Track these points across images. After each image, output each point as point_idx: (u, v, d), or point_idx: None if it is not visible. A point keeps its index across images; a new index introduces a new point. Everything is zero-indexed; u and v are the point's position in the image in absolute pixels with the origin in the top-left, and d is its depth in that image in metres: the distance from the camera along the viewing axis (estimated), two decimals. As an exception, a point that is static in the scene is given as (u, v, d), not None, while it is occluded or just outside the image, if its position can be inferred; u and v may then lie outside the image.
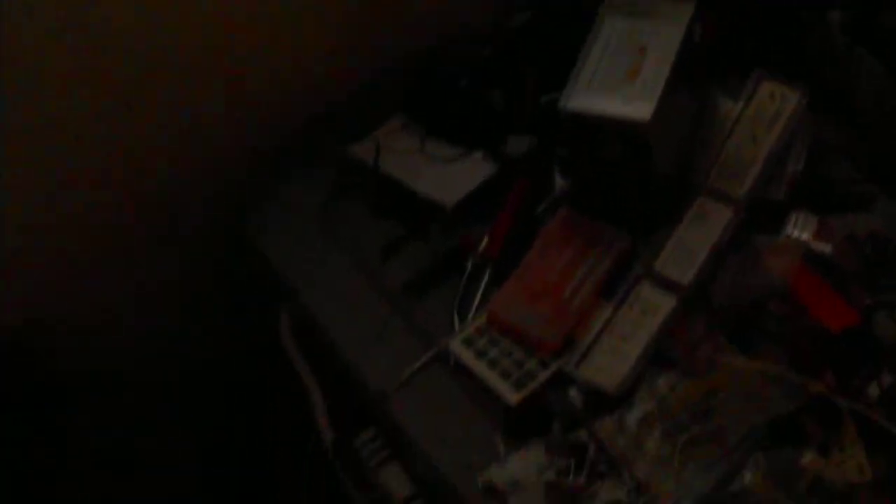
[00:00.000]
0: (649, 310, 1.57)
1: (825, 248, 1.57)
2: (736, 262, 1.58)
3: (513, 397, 1.55)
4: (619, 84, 1.56)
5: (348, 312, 1.75)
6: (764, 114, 1.69)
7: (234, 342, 2.26)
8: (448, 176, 1.83)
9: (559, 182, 1.77)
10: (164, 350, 2.21)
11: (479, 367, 1.59)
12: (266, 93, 2.02)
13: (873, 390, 1.44)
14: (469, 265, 1.72)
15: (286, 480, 2.31)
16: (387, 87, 2.02)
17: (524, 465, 1.49)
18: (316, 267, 1.82)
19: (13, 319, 1.94)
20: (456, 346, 1.62)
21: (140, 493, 2.24)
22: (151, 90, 1.87)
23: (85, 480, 2.10)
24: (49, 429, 2.00)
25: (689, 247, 1.61)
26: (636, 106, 1.53)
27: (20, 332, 1.94)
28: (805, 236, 1.58)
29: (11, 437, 1.89)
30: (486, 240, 1.73)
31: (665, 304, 1.57)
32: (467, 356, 1.61)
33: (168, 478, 2.31)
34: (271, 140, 2.02)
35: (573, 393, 1.53)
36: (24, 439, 1.94)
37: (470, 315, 1.67)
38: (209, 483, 2.45)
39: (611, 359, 1.54)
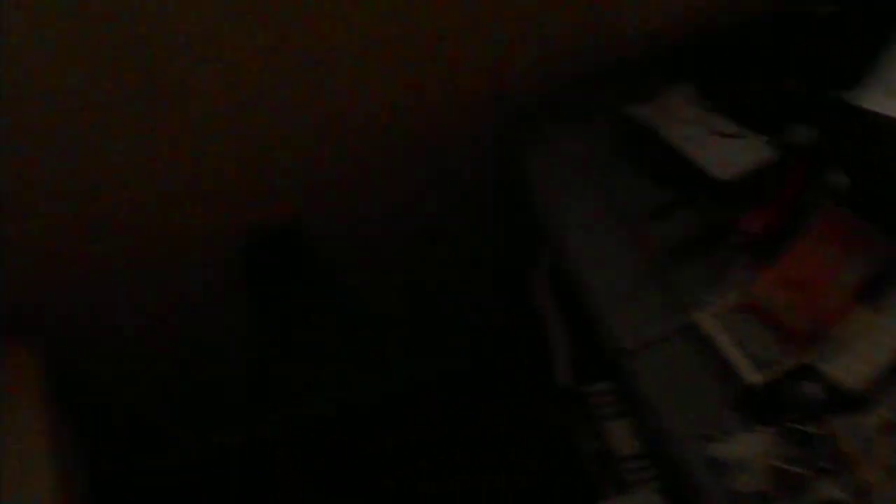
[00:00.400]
0: (906, 320, 1.57)
1: None
2: None
3: (754, 379, 1.57)
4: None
5: (606, 266, 1.80)
6: None
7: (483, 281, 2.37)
8: (727, 152, 1.84)
9: (835, 178, 1.76)
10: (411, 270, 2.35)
11: (726, 344, 1.62)
12: (560, 39, 2.07)
13: None
14: (734, 243, 1.74)
15: (516, 413, 2.43)
16: (679, 54, 2.04)
17: (752, 446, 1.52)
18: (581, 218, 1.88)
19: (283, 212, 2.10)
20: (707, 319, 1.65)
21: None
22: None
23: (336, 335, 2.34)
24: (312, 293, 2.23)
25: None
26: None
27: (289, 224, 2.11)
28: None
29: (286, 295, 2.15)
30: (754, 221, 1.74)
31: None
32: (716, 331, 1.63)
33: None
34: (553, 90, 2.08)
35: (814, 387, 1.55)
36: (295, 301, 2.19)
37: (726, 291, 1.70)
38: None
39: (858, 360, 1.55)
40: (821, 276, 1.64)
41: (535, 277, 2.00)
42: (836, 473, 1.47)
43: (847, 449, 1.48)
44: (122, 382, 2.43)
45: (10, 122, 1.74)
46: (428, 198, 2.27)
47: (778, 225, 1.74)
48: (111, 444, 2.58)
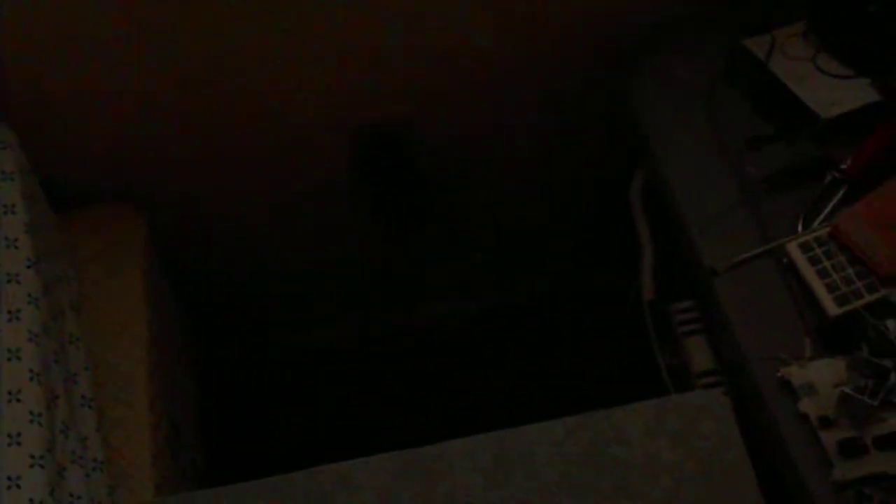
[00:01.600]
0: None
1: None
2: None
3: (833, 309, 1.63)
4: None
5: (700, 188, 1.85)
6: None
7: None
8: (832, 91, 1.87)
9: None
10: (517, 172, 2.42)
11: (809, 273, 1.67)
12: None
13: None
14: (828, 178, 1.78)
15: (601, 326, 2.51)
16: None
17: (824, 373, 1.57)
18: (681, 139, 1.93)
19: (396, 114, 2.17)
20: (793, 248, 1.70)
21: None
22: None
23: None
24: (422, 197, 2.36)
25: None
26: None
27: (401, 126, 2.19)
28: None
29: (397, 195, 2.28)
30: (850, 159, 1.78)
31: None
32: (801, 260, 1.69)
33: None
34: (668, 20, 2.11)
35: (891, 323, 1.60)
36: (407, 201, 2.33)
37: (815, 224, 1.75)
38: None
39: (939, 301, 1.59)
40: (909, 216, 1.68)
41: (630, 195, 2.06)
42: (903, 407, 1.52)
43: (917, 385, 1.53)
44: (233, 271, 2.53)
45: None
46: (537, 116, 2.33)
47: (874, 166, 1.77)
48: (219, 334, 2.69)
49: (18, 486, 1.43)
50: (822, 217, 1.76)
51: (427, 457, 1.50)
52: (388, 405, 2.74)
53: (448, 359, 2.79)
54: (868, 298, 1.63)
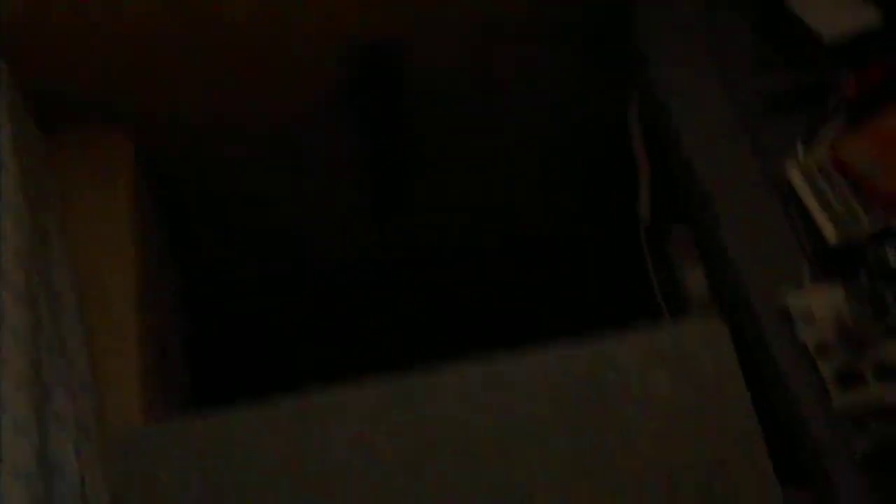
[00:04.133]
0: None
1: None
2: None
3: (833, 236, 1.60)
4: None
5: (700, 111, 1.81)
6: None
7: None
8: (836, 13, 1.83)
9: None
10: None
11: (809, 199, 1.64)
12: None
13: None
14: (831, 103, 1.75)
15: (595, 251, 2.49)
16: None
17: (823, 301, 1.55)
18: (681, 60, 1.89)
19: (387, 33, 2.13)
20: (794, 173, 1.67)
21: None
22: None
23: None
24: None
25: None
26: None
27: (392, 44, 2.15)
28: None
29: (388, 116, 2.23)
30: (853, 84, 1.74)
31: None
32: (801, 185, 1.66)
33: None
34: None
35: (891, 249, 1.57)
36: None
37: (816, 149, 1.71)
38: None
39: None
40: (913, 141, 1.65)
41: (628, 119, 2.03)
42: (903, 336, 1.50)
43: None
44: (221, 198, 2.50)
45: None
46: (531, 47, 2.28)
47: (877, 91, 1.74)
48: (207, 260, 2.67)
49: (2, 407, 1.41)
50: (824, 142, 1.72)
51: (415, 383, 1.48)
52: (377, 332, 2.72)
53: (437, 283, 2.76)
54: (868, 225, 1.60)
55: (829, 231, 1.61)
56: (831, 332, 1.51)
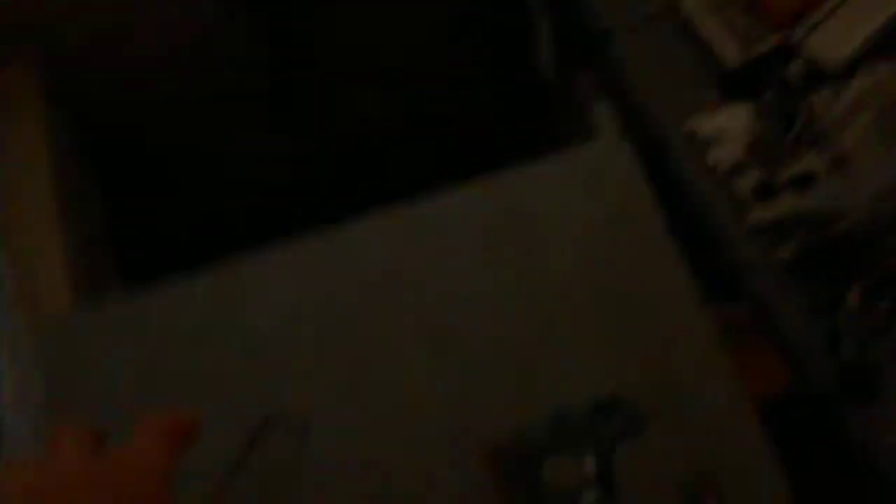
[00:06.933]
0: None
1: None
2: None
3: (735, 58, 1.59)
4: None
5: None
6: None
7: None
8: None
9: None
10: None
11: (709, 24, 1.63)
12: None
13: None
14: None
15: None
16: None
17: (731, 120, 1.55)
18: None
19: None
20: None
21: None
22: None
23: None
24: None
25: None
26: None
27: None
28: None
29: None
30: None
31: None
32: (700, 11, 1.64)
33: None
34: None
35: (794, 65, 1.57)
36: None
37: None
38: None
39: (839, 36, 1.56)
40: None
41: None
42: (816, 148, 1.51)
43: (826, 121, 1.51)
44: (128, 105, 2.43)
45: None
46: None
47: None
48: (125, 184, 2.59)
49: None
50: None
51: (339, 236, 1.46)
52: (293, 203, 2.64)
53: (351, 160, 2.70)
54: (770, 43, 1.59)
55: (729, 51, 1.60)
56: (742, 148, 1.51)
